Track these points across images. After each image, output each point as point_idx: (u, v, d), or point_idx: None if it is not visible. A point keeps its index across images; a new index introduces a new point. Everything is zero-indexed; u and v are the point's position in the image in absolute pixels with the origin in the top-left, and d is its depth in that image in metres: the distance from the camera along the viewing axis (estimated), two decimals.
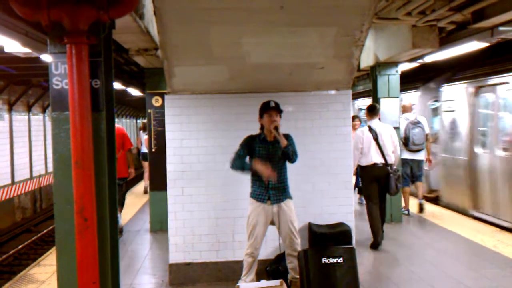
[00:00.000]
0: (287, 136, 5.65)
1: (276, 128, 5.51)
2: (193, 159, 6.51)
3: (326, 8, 4.88)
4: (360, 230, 9.11)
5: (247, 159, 5.71)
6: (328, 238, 6.08)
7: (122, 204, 10.07)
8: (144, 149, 14.16)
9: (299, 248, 5.71)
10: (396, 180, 8.04)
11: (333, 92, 6.67)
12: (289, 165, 5.73)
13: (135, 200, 13.59)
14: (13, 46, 8.21)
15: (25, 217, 18.95)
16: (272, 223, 5.73)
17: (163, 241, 8.23)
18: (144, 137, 13.76)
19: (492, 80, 9.74)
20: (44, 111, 21.26)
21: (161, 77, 7.15)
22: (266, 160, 5.59)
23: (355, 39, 5.37)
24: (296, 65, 6.04)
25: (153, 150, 9.77)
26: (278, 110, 5.61)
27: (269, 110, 5.59)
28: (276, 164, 5.63)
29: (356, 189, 11.09)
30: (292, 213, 5.69)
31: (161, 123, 9.09)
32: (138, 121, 47.05)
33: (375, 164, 8.08)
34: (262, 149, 5.63)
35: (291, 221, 5.66)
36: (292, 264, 5.73)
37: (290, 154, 5.54)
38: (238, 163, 5.63)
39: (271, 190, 5.63)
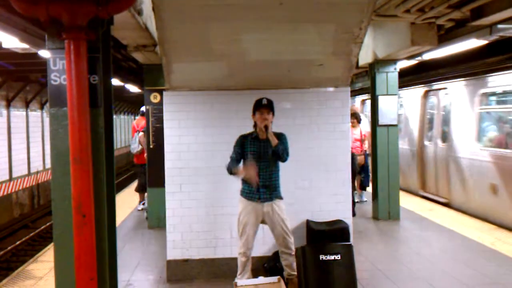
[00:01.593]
0: (281, 135, 5.66)
1: (266, 127, 5.51)
2: (191, 155, 6.51)
3: (325, 5, 4.87)
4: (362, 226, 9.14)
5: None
6: (325, 235, 6.09)
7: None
8: None
9: (292, 246, 5.72)
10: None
11: (331, 89, 6.66)
12: (287, 162, 5.72)
13: (134, 196, 13.56)
14: (11, 41, 8.19)
15: (23, 213, 18.96)
16: (263, 222, 5.74)
17: (161, 238, 8.22)
18: None
19: None
20: (42, 107, 21.24)
21: (159, 74, 7.13)
22: (257, 158, 5.60)
23: (354, 36, 5.37)
24: (295, 62, 6.03)
25: (151, 146, 9.76)
26: (270, 108, 5.60)
27: (261, 108, 5.59)
28: (268, 162, 5.63)
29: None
30: (283, 212, 5.69)
31: (159, 119, 9.07)
32: (137, 117, 47.06)
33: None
34: (253, 147, 5.65)
35: (282, 220, 5.66)
36: (286, 261, 5.73)
37: (280, 153, 5.53)
38: (232, 165, 5.64)
39: (261, 188, 5.63)
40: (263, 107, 5.58)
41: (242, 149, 5.70)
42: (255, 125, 5.71)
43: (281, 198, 5.77)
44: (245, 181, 5.72)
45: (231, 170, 5.62)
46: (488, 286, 6.23)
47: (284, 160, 5.62)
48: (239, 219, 5.72)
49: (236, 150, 5.71)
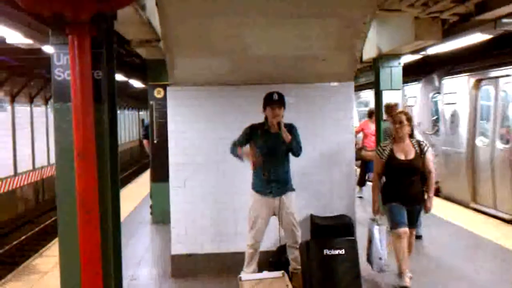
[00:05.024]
0: (291, 127, 5.61)
1: (279, 124, 5.46)
2: (195, 150, 6.51)
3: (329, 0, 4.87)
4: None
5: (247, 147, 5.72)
6: (329, 230, 6.09)
7: None
8: None
9: (299, 240, 5.72)
10: None
11: (335, 84, 6.65)
12: (291, 157, 5.72)
13: (137, 191, 13.61)
14: (15, 37, 8.21)
15: (28, 209, 19.01)
16: (274, 214, 5.74)
17: (165, 233, 8.24)
18: None
19: None
20: (46, 103, 21.28)
21: (163, 69, 7.14)
22: (268, 151, 5.58)
23: (357, 30, 5.36)
24: (298, 57, 6.02)
25: (155, 141, 9.77)
26: (281, 103, 5.53)
27: (272, 103, 5.52)
28: (279, 156, 5.61)
29: None
30: (293, 206, 5.69)
31: (163, 114, 9.08)
32: (141, 112, 47.11)
33: None
34: (264, 140, 5.61)
35: (292, 214, 5.66)
36: (293, 255, 5.75)
37: (294, 150, 5.51)
38: (232, 150, 5.65)
39: (272, 183, 5.62)
40: (274, 102, 5.50)
41: (248, 141, 5.68)
42: (266, 118, 5.66)
43: (293, 190, 5.75)
44: (256, 175, 5.71)
45: (234, 151, 5.61)
46: (493, 282, 6.22)
47: (298, 155, 5.59)
48: (249, 213, 5.72)
49: (240, 140, 5.66)
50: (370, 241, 6.00)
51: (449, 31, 8.62)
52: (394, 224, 5.84)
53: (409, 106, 14.16)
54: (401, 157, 5.89)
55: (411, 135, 6.00)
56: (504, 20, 7.43)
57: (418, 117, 13.45)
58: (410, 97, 14.40)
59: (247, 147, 5.63)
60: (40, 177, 20.43)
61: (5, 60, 14.13)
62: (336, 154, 6.63)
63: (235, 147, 5.61)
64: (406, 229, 5.84)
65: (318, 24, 5.33)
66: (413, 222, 6.03)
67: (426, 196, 5.96)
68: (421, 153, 5.92)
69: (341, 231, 6.07)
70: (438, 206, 8.85)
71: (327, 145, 6.62)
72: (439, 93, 12.72)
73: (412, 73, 13.64)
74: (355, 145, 10.15)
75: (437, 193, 11.49)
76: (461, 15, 7.98)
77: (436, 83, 12.79)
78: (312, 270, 5.50)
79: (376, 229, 5.92)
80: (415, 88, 14.12)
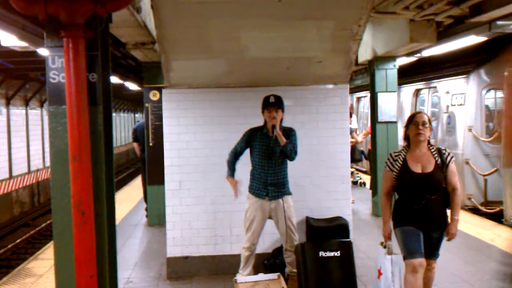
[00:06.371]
0: (290, 131, 5.64)
1: (274, 127, 5.49)
2: (190, 153, 6.51)
3: (324, 2, 4.88)
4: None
5: (248, 157, 5.74)
6: (325, 232, 6.09)
7: None
8: None
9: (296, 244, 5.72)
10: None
11: (330, 86, 6.66)
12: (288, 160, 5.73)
13: (133, 194, 13.59)
14: (10, 40, 8.19)
15: (23, 211, 18.97)
16: (270, 217, 5.74)
17: (160, 235, 8.24)
18: None
19: None
20: (41, 105, 21.23)
21: (158, 71, 7.14)
22: (266, 154, 5.59)
23: (352, 33, 5.37)
24: (294, 59, 6.03)
25: (150, 144, 9.76)
26: (278, 105, 5.55)
27: (268, 106, 5.56)
28: (277, 159, 5.61)
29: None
30: (290, 209, 5.69)
31: (159, 117, 9.07)
32: (136, 115, 47.05)
33: None
34: (263, 143, 5.63)
35: (289, 217, 5.66)
36: (290, 258, 5.75)
37: (288, 153, 5.51)
38: (230, 160, 5.73)
39: (269, 186, 5.63)
40: (271, 105, 5.54)
41: (248, 143, 5.71)
42: (265, 121, 5.69)
43: (289, 193, 5.77)
44: (253, 178, 5.73)
45: (230, 167, 5.73)
46: (487, 282, 6.24)
47: (292, 159, 5.59)
48: (246, 215, 5.73)
49: (240, 144, 5.73)
50: (381, 273, 4.88)
51: (444, 34, 8.66)
52: (407, 253, 4.66)
53: (454, 105, 11.57)
54: (417, 169, 4.66)
55: (429, 142, 4.79)
56: (499, 22, 7.46)
57: (469, 120, 10.95)
58: (455, 95, 11.57)
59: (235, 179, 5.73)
60: (35, 180, 20.38)
61: (0, 62, 14.09)
62: (331, 156, 6.64)
63: (234, 159, 5.73)
64: (422, 260, 4.63)
65: (313, 27, 5.33)
66: (432, 252, 4.84)
67: (449, 219, 4.78)
68: (442, 165, 4.67)
69: (337, 233, 6.08)
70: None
71: (322, 146, 6.63)
72: (498, 88, 10.61)
73: (457, 65, 11.60)
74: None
75: (499, 219, 9.75)
76: (455, 18, 8.02)
77: (493, 76, 10.63)
78: (308, 272, 5.51)
79: (387, 260, 4.80)
80: (462, 84, 11.31)
